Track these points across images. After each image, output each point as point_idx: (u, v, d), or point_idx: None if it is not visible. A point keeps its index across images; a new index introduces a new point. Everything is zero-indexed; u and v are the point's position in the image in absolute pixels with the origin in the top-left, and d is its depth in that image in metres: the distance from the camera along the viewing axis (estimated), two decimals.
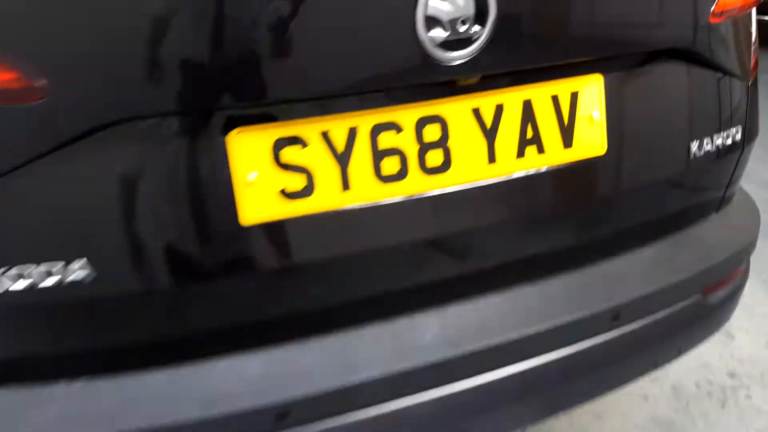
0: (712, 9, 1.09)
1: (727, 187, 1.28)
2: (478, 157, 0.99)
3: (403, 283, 1.01)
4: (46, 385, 0.92)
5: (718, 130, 1.18)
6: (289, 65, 0.86)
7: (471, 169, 0.99)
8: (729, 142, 1.20)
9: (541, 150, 1.04)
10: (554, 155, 1.05)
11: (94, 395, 0.91)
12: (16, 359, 0.92)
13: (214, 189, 0.88)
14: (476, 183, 1.00)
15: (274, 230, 0.92)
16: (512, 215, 1.05)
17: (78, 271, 0.86)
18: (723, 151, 1.21)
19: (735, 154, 1.24)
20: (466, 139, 0.98)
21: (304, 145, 0.91)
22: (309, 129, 0.91)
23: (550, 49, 0.98)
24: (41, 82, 0.79)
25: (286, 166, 0.91)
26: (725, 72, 1.16)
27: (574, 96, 1.06)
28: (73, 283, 0.86)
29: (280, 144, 0.90)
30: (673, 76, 1.12)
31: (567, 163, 1.06)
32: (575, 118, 1.06)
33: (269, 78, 0.86)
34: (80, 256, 0.86)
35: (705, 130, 1.16)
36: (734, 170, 1.26)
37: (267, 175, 0.90)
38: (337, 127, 0.92)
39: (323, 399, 0.93)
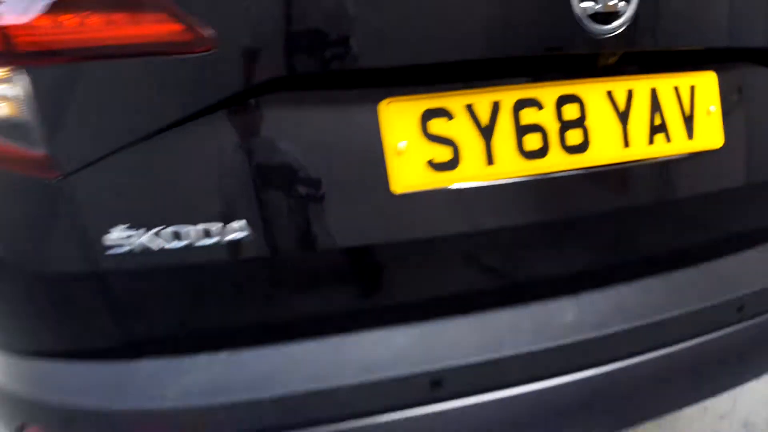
0: None
1: None
2: (614, 140, 0.99)
3: (543, 262, 0.99)
4: (189, 356, 0.87)
5: None
6: (441, 32, 0.86)
7: (607, 150, 0.99)
8: None
9: (668, 138, 1.04)
10: (679, 144, 1.05)
11: (239, 364, 0.87)
12: (165, 331, 0.88)
13: (366, 156, 0.87)
14: (612, 166, 0.99)
15: (423, 200, 0.90)
16: (645, 201, 1.04)
17: (235, 232, 0.83)
18: None
19: None
20: (602, 120, 0.98)
21: (450, 117, 0.91)
22: (455, 101, 0.91)
23: (685, 33, 0.99)
24: (209, 34, 0.78)
25: (433, 138, 0.90)
26: None
27: (693, 89, 1.07)
28: (230, 244, 0.83)
29: (427, 115, 0.90)
30: None
31: (689, 153, 1.06)
32: (694, 109, 1.07)
33: (418, 45, 0.86)
34: (238, 218, 0.83)
35: None
36: None
37: (416, 145, 0.89)
38: (482, 100, 0.92)
39: (473, 371, 0.90)
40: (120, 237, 0.82)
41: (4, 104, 0.82)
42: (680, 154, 1.06)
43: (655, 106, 1.02)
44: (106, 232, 0.82)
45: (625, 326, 1.03)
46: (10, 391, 0.94)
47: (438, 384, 0.92)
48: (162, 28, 0.78)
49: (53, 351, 0.91)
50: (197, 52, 0.78)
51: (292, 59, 0.82)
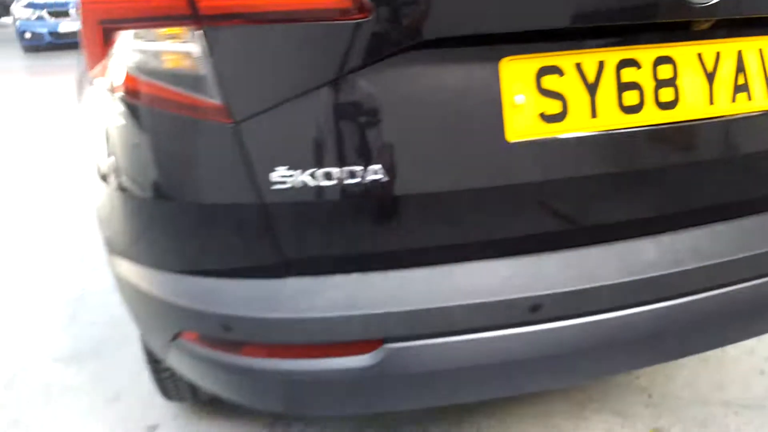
0: None
1: None
2: (701, 98, 1.11)
3: (630, 205, 1.12)
4: (328, 276, 1.03)
5: None
6: (560, 3, 0.98)
7: (694, 107, 1.10)
8: None
9: (749, 97, 1.15)
10: (760, 102, 1.16)
11: (369, 285, 1.03)
12: (310, 254, 1.04)
13: (486, 108, 1.00)
14: (697, 120, 1.11)
15: (533, 148, 1.03)
16: (725, 153, 1.16)
17: (374, 174, 0.98)
18: None
19: None
20: (691, 80, 1.10)
21: (561, 74, 1.03)
22: (566, 60, 1.03)
23: None
24: (366, 3, 0.91)
25: (545, 92, 1.03)
26: None
27: None
28: (369, 184, 0.98)
29: (542, 72, 1.02)
30: None
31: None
32: None
33: (536, 11, 0.98)
34: (376, 162, 0.98)
35: None
36: None
37: (530, 98, 1.02)
38: (589, 59, 1.04)
39: (567, 298, 1.04)
40: (282, 175, 0.98)
41: (187, 60, 0.97)
42: (760, 111, 1.17)
43: (740, 67, 1.13)
44: (272, 170, 0.98)
45: (698, 265, 1.17)
46: (170, 303, 1.11)
47: (537, 308, 1.07)
48: None
49: (214, 270, 1.08)
50: (355, 19, 0.92)
51: (432, 25, 0.95)
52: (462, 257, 1.07)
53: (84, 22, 1.05)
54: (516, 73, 1.00)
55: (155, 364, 1.54)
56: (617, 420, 1.78)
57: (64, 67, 7.87)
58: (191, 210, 1.04)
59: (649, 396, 1.86)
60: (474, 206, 1.05)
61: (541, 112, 1.03)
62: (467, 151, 1.01)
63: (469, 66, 0.99)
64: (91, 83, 1.14)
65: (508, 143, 1.02)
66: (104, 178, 1.17)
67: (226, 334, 1.07)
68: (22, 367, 2.06)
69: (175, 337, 1.15)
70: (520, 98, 1.01)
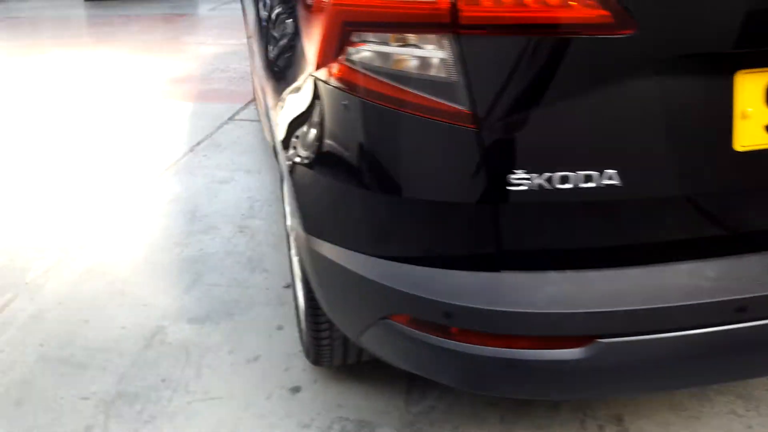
0: None
1: None
2: None
3: None
4: (544, 272, 1.09)
5: None
6: None
7: None
8: None
9: None
10: None
11: (587, 282, 1.09)
12: (532, 250, 1.10)
13: (720, 118, 1.04)
14: None
15: (755, 157, 1.07)
16: None
17: (608, 179, 1.03)
18: None
19: None
20: None
21: None
22: None
23: None
24: (631, 21, 0.95)
25: None
26: None
27: None
28: (603, 188, 1.03)
29: None
30: None
31: None
32: None
33: None
34: (612, 167, 1.03)
35: None
36: None
37: (757, 110, 1.06)
38: None
39: None
40: (520, 178, 1.03)
41: (437, 66, 1.02)
42: None
43: None
44: (509, 173, 1.03)
45: None
46: (388, 287, 1.18)
47: (743, 309, 1.12)
48: (590, 12, 0.95)
49: (433, 259, 1.15)
50: (615, 34, 0.96)
51: (683, 44, 0.99)
52: (672, 257, 1.12)
53: (326, 21, 1.10)
54: (748, 86, 1.04)
55: (316, 333, 1.64)
56: (741, 402, 1.84)
57: (128, 20, 7.82)
58: (419, 205, 1.11)
59: None
60: (695, 209, 1.10)
61: (766, 123, 1.06)
62: (697, 158, 1.06)
63: (707, 77, 1.02)
64: (315, 78, 1.20)
65: (735, 152, 1.06)
66: (321, 169, 1.23)
67: (445, 321, 1.15)
68: (157, 328, 2.16)
69: (383, 318, 1.23)
70: (749, 109, 1.05)
